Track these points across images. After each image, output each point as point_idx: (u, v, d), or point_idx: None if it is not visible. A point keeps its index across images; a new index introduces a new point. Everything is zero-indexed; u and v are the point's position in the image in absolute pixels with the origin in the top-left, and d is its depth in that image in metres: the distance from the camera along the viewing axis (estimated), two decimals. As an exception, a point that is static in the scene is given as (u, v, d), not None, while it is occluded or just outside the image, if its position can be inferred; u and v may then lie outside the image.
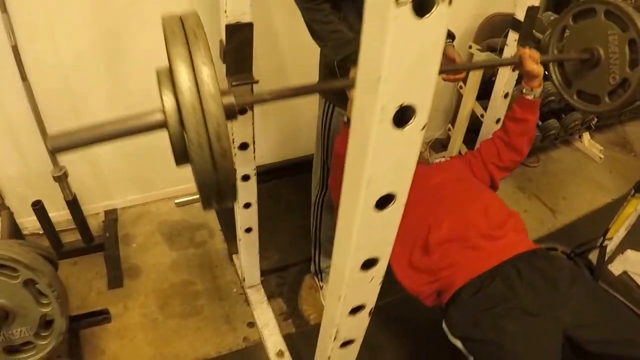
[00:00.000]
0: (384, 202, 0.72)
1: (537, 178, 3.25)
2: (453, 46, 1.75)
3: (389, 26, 0.54)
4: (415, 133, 0.63)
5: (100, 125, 0.83)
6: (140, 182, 2.63)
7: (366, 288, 0.89)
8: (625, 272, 2.59)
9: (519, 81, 2.73)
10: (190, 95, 0.74)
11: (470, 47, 2.62)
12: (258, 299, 2.10)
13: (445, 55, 1.72)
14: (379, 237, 0.79)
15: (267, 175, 2.72)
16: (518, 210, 2.84)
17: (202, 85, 0.75)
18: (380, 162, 0.65)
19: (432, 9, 0.54)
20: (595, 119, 3.56)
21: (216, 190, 0.83)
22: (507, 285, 1.37)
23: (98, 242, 2.38)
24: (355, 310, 0.93)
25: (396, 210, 0.75)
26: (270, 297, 2.17)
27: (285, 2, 2.29)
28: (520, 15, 1.96)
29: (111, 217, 2.56)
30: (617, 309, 1.44)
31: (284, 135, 2.83)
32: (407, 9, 0.53)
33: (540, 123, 3.12)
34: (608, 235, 2.14)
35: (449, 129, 3.02)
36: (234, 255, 2.30)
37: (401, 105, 0.60)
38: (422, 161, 1.93)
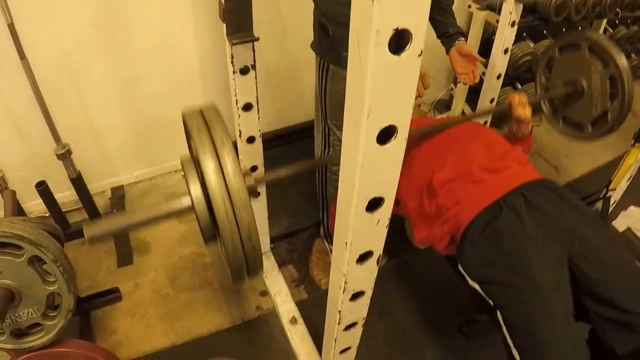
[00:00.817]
0: (385, 135, 0.71)
1: (540, 136, 3.23)
2: (465, 42, 1.81)
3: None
4: (412, 59, 0.63)
5: (132, 214, 0.96)
6: (146, 157, 2.62)
7: (373, 231, 0.89)
8: (629, 229, 2.59)
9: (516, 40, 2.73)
10: (224, 207, 0.82)
11: (469, 6, 2.59)
12: (269, 266, 2.11)
13: (461, 53, 1.76)
14: (383, 175, 0.79)
15: (272, 142, 2.70)
16: (523, 169, 2.91)
17: (234, 193, 0.82)
18: (378, 91, 0.64)
19: None
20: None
21: (245, 269, 0.92)
22: (515, 214, 1.35)
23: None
24: (363, 257, 0.93)
25: (398, 144, 0.74)
26: (280, 264, 2.18)
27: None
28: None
29: (118, 193, 2.57)
30: (623, 254, 1.40)
31: (288, 102, 2.82)
32: None
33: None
34: (611, 187, 2.15)
35: (451, 89, 3.01)
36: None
37: (396, 29, 0.59)
38: (423, 114, 1.94)
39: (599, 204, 2.21)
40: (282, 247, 2.29)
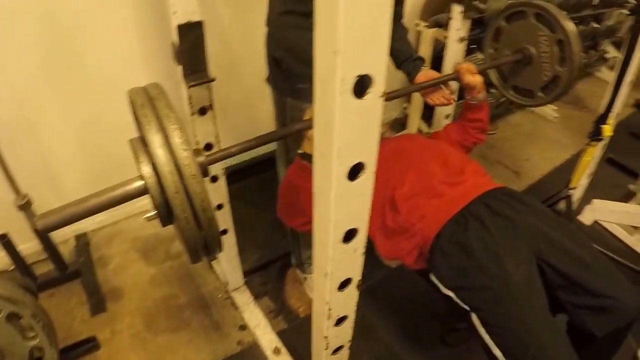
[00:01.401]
0: (354, 171, 0.74)
1: (498, 144, 3.35)
2: (427, 68, 1.82)
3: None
4: (374, 100, 0.66)
5: (84, 200, 0.90)
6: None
7: (350, 260, 0.91)
8: (596, 222, 2.71)
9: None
10: (172, 179, 0.80)
11: (417, 24, 2.67)
12: (245, 300, 2.10)
13: (427, 77, 1.75)
14: (355, 207, 0.81)
15: (233, 176, 2.70)
16: (484, 177, 2.99)
17: (184, 167, 0.80)
18: (345, 133, 0.67)
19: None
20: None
21: (203, 247, 0.90)
22: (480, 222, 1.39)
23: (73, 269, 2.32)
24: (344, 284, 0.96)
25: (367, 179, 0.77)
26: (256, 297, 2.17)
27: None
28: None
29: (82, 241, 2.51)
30: (586, 244, 1.46)
31: (247, 134, 2.79)
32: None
33: (492, 90, 3.21)
34: (571, 185, 2.25)
35: (405, 108, 3.08)
36: (212, 262, 2.29)
37: (359, 75, 0.62)
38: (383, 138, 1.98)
39: (563, 203, 2.28)
40: (255, 280, 2.28)
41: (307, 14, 1.39)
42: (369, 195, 0.81)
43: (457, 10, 2.08)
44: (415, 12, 2.96)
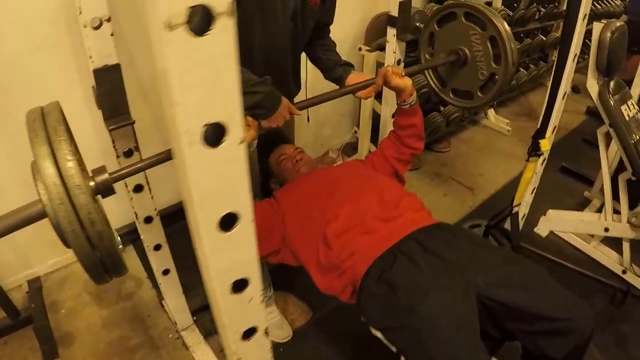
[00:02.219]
0: (227, 222, 0.72)
1: (451, 161, 3.38)
2: (356, 72, 1.83)
3: (168, 52, 0.55)
4: (233, 148, 0.65)
5: None
6: (58, 245, 2.48)
7: (249, 310, 0.88)
8: (552, 232, 2.73)
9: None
10: (56, 190, 0.78)
11: (360, 49, 2.70)
12: (195, 340, 2.05)
13: (357, 79, 1.75)
14: (239, 259, 0.79)
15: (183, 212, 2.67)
16: (437, 195, 3.02)
17: (67, 178, 0.78)
18: (205, 184, 0.66)
19: (211, 25, 0.55)
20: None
21: (103, 267, 0.88)
22: (410, 259, 1.35)
23: (25, 315, 2.26)
24: (248, 334, 0.92)
25: (245, 229, 0.75)
26: (207, 335, 2.12)
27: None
28: (395, 12, 2.04)
29: (35, 286, 2.44)
30: (528, 269, 1.43)
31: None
32: (182, 31, 0.54)
33: (442, 108, 3.26)
34: (515, 202, 2.23)
35: (355, 132, 3.09)
36: (163, 301, 2.25)
37: (207, 124, 0.61)
38: (321, 166, 1.96)
39: (508, 221, 2.28)
40: (205, 317, 2.22)
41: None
42: (250, 245, 0.79)
43: (391, 33, 2.11)
44: (359, 37, 2.99)
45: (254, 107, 1.37)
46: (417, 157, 3.32)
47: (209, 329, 2.16)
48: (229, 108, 0.62)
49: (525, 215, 2.41)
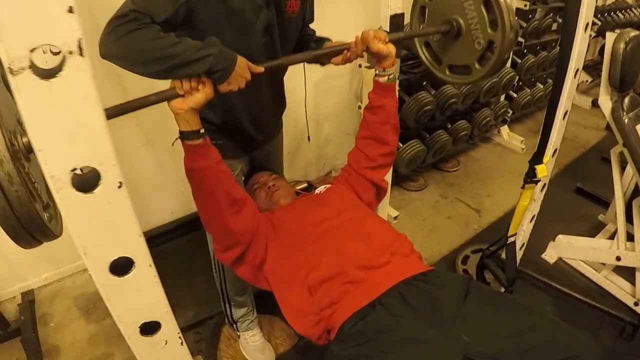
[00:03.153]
0: (120, 267, 0.68)
1: (459, 181, 3.26)
2: (330, 41, 1.64)
3: (18, 98, 0.51)
4: (110, 192, 0.60)
5: None
6: (52, 259, 2.54)
7: (163, 353, 0.84)
8: (560, 259, 2.59)
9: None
10: None
11: (360, 65, 2.62)
12: (175, 359, 2.01)
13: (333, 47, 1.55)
14: (144, 302, 0.75)
15: (178, 230, 2.68)
16: (440, 218, 2.92)
17: None
18: (86, 229, 0.62)
19: (61, 66, 0.51)
20: (510, 112, 3.62)
21: (24, 229, 0.82)
22: (390, 312, 1.25)
23: (15, 327, 2.29)
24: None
25: (144, 273, 0.71)
26: (188, 354, 2.08)
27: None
28: (386, 26, 1.94)
29: (28, 298, 2.46)
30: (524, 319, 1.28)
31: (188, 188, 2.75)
32: (27, 75, 0.50)
33: (449, 126, 3.15)
34: (510, 232, 2.09)
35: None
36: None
37: (74, 170, 0.57)
38: (302, 195, 1.86)
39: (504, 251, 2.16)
40: (189, 337, 2.18)
41: None
42: (155, 288, 0.75)
43: None
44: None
45: (207, 74, 1.23)
46: (422, 176, 3.25)
47: (191, 350, 2.10)
48: (97, 152, 0.57)
49: (525, 245, 2.28)
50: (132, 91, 2.19)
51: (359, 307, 1.29)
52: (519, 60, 3.63)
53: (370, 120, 1.66)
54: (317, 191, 1.78)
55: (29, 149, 0.86)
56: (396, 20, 1.95)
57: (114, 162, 0.60)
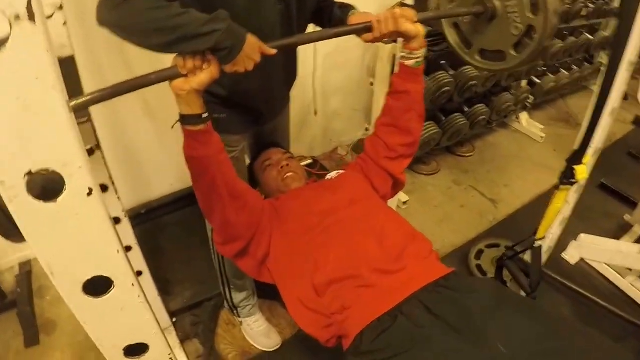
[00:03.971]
0: (96, 287, 0.58)
1: (474, 168, 3.12)
2: (356, 10, 1.48)
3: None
4: (78, 202, 0.49)
5: None
6: (50, 230, 2.47)
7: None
8: (582, 260, 2.46)
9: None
10: None
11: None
12: (170, 343, 1.93)
13: (360, 19, 1.40)
14: (128, 323, 0.65)
15: (177, 203, 2.56)
16: (453, 206, 2.81)
17: None
18: (50, 245, 0.51)
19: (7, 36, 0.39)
20: (532, 97, 3.46)
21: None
22: (415, 324, 1.13)
23: (11, 299, 2.24)
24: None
25: (125, 294, 0.61)
26: (184, 339, 2.00)
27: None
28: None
29: (25, 269, 2.41)
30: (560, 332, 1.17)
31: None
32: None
33: (466, 109, 3.01)
34: (538, 236, 1.93)
35: (367, 129, 2.88)
36: (151, 297, 2.15)
37: (30, 174, 0.46)
38: (312, 180, 1.74)
39: (529, 254, 2.01)
40: (186, 319, 2.10)
41: None
42: (139, 309, 0.65)
43: None
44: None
45: (212, 51, 1.11)
46: (435, 160, 3.12)
47: (187, 332, 2.04)
48: (58, 151, 0.46)
49: (552, 248, 2.12)
50: (136, 65, 2.09)
51: (376, 315, 1.16)
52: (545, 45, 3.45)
53: (392, 106, 1.52)
54: (328, 177, 1.66)
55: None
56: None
57: (81, 164, 0.49)
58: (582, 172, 1.75)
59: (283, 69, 1.56)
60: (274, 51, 1.18)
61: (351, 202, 1.46)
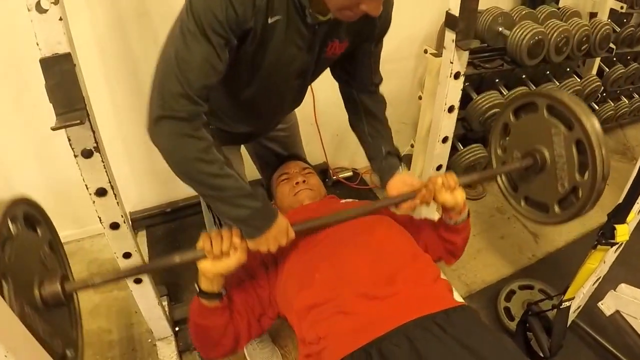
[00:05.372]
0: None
1: (521, 197, 2.90)
2: (404, 171, 1.47)
3: None
4: None
5: None
6: (74, 217, 2.44)
7: None
8: (617, 312, 2.21)
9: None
10: None
11: (425, 51, 2.30)
12: (168, 353, 1.84)
13: (398, 190, 1.37)
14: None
15: (189, 209, 2.52)
16: (493, 235, 2.59)
17: None
18: None
19: None
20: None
21: None
22: None
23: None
24: None
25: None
26: (184, 350, 1.91)
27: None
28: (455, 10, 1.63)
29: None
30: None
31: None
32: None
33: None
34: (567, 296, 1.72)
35: (412, 145, 2.70)
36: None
37: None
38: (330, 197, 1.63)
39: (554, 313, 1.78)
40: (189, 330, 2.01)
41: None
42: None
43: (450, 37, 1.70)
44: (430, 37, 2.59)
45: (238, 222, 1.10)
46: (481, 184, 2.91)
47: (189, 344, 1.95)
48: None
49: (581, 308, 1.92)
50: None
51: (352, 349, 1.00)
52: (607, 69, 3.17)
53: (440, 237, 1.45)
54: (343, 201, 1.54)
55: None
56: (468, 5, 1.62)
57: None
58: (624, 233, 1.54)
59: (290, 104, 1.49)
60: (293, 236, 1.18)
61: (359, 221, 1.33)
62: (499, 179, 1.59)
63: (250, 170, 1.75)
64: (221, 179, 1.04)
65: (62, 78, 1.13)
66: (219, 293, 1.14)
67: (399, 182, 1.38)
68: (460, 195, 1.31)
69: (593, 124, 1.22)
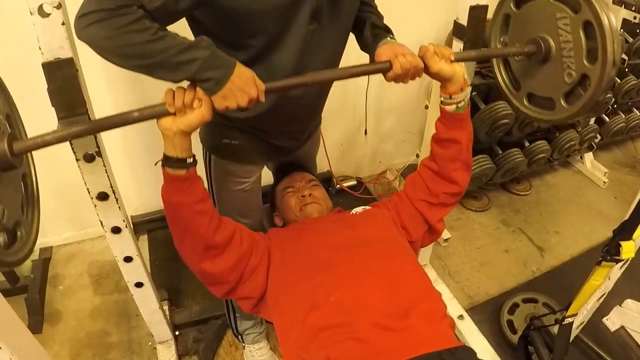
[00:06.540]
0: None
1: (527, 209, 2.86)
2: (393, 40, 1.28)
3: None
4: None
5: None
6: (75, 219, 2.46)
7: None
8: (622, 328, 2.18)
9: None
10: None
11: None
12: (167, 357, 1.84)
13: (388, 56, 1.20)
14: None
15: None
16: (497, 249, 2.57)
17: None
18: None
19: None
20: (599, 137, 3.15)
21: None
22: None
23: (23, 283, 2.23)
24: None
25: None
26: (184, 354, 1.91)
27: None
28: (463, 19, 1.58)
29: (44, 256, 2.41)
30: None
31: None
32: None
33: (526, 144, 2.76)
34: (570, 312, 1.68)
35: (417, 155, 2.68)
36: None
37: None
38: (336, 210, 1.60)
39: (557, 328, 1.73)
40: (189, 334, 2.00)
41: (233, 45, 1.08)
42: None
43: (457, 47, 1.64)
44: (439, 43, 2.58)
45: (193, 82, 0.99)
46: (487, 195, 2.88)
47: (188, 348, 1.95)
48: None
49: (584, 324, 1.88)
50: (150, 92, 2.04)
51: None
52: (619, 80, 3.12)
53: (437, 154, 1.36)
54: (353, 211, 1.51)
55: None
56: (477, 14, 1.59)
57: None
58: (630, 250, 1.49)
59: (315, 100, 1.39)
60: (263, 88, 1.04)
61: (367, 242, 1.30)
62: (499, 76, 1.49)
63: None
64: (158, 42, 0.92)
65: (64, 82, 1.12)
66: (184, 159, 1.05)
67: (388, 50, 1.21)
68: (458, 67, 1.20)
69: (601, 3, 1.14)
